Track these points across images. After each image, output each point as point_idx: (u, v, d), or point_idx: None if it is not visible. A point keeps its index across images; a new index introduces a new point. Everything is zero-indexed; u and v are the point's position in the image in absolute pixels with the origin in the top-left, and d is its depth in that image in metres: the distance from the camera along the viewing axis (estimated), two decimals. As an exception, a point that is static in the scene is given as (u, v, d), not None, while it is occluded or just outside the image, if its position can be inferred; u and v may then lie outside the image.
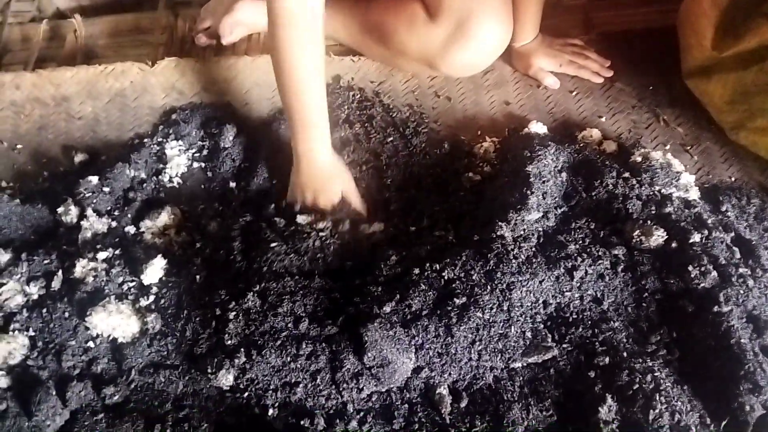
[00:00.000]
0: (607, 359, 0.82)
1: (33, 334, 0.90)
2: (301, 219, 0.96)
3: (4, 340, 0.89)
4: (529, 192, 0.94)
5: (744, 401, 0.75)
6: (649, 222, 0.91)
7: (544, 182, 0.97)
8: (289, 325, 0.84)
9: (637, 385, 0.77)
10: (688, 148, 1.08)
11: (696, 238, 0.89)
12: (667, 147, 1.08)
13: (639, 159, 1.00)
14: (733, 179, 1.05)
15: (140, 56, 1.29)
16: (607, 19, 1.27)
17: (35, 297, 0.93)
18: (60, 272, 0.94)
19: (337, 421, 0.80)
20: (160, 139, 1.14)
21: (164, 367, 0.88)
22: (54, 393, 0.85)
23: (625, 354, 0.82)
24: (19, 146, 1.19)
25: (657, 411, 0.75)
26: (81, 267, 0.94)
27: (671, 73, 1.14)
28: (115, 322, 0.89)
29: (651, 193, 0.95)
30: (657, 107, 1.13)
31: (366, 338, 0.80)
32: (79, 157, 1.15)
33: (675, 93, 1.13)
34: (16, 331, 0.90)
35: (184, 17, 1.38)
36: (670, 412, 0.75)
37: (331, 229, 0.95)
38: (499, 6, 1.05)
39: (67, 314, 0.90)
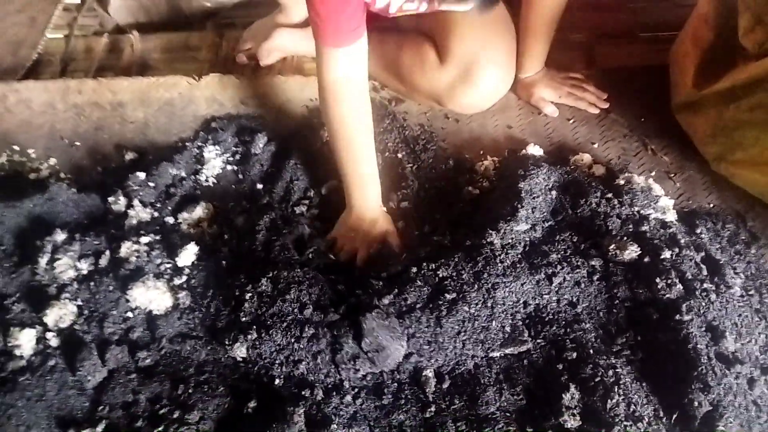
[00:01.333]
0: (575, 354, 0.92)
1: (81, 303, 1.03)
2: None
3: (56, 306, 1.02)
4: (519, 206, 1.06)
5: (694, 398, 0.84)
6: (625, 238, 1.02)
7: (534, 198, 1.08)
8: (295, 310, 0.96)
9: (599, 378, 0.88)
10: (672, 175, 1.18)
11: (666, 254, 0.99)
12: (653, 173, 1.18)
13: (622, 182, 1.11)
14: (711, 206, 1.14)
15: (188, 71, 1.43)
16: (608, 55, 1.38)
17: (85, 272, 1.07)
18: (107, 252, 1.08)
19: (334, 394, 0.92)
20: (200, 144, 1.28)
21: (190, 337, 1.01)
22: (95, 354, 0.98)
23: (591, 351, 0.92)
24: (77, 143, 1.35)
25: (614, 401, 0.85)
26: (126, 248, 1.08)
27: (662, 107, 1.24)
28: (151, 296, 1.02)
29: (630, 212, 1.05)
30: (646, 137, 1.23)
31: (364, 326, 0.91)
32: (129, 156, 1.31)
33: (664, 125, 1.23)
34: (67, 300, 1.03)
35: (228, 38, 1.54)
36: (626, 403, 0.85)
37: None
38: (502, 55, 1.18)
39: (111, 288, 1.04)
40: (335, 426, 0.87)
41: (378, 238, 1.09)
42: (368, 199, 1.10)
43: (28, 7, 1.73)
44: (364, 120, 1.05)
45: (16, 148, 1.35)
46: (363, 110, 1.04)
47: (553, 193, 1.11)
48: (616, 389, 0.86)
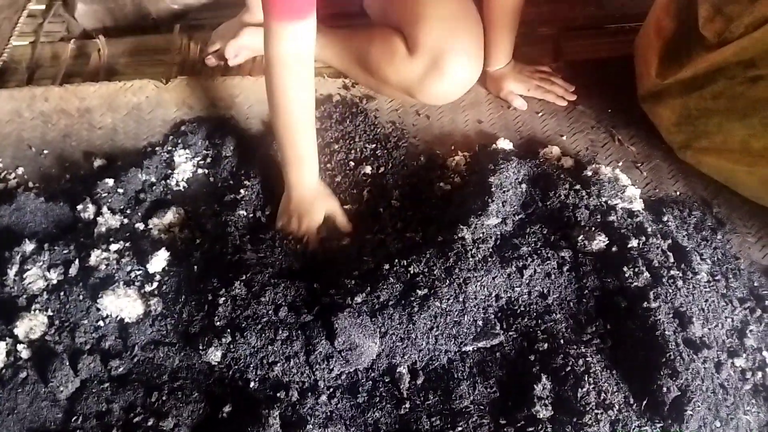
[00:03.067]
0: (546, 345, 0.93)
1: (51, 313, 1.02)
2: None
3: (26, 318, 1.01)
4: (490, 200, 1.06)
5: (662, 384, 0.86)
6: (593, 228, 1.03)
7: (504, 192, 1.08)
8: (270, 312, 0.96)
9: (569, 367, 0.89)
10: (639, 165, 1.20)
11: (633, 243, 1.00)
12: (620, 164, 1.19)
13: (590, 173, 1.12)
14: (678, 193, 1.16)
15: (156, 74, 1.42)
16: (575, 48, 1.40)
17: (54, 282, 1.06)
18: (77, 261, 1.07)
19: (309, 394, 0.92)
20: (169, 148, 1.27)
21: (163, 344, 1.00)
22: (67, 364, 0.96)
23: (562, 341, 0.93)
24: (45, 151, 1.33)
25: (585, 390, 0.86)
26: (95, 257, 1.07)
27: (629, 98, 1.25)
28: (122, 304, 1.01)
29: (598, 203, 1.07)
30: (613, 128, 1.25)
31: (337, 325, 0.92)
32: (98, 162, 1.29)
33: (631, 116, 1.25)
34: (37, 311, 1.02)
35: (197, 40, 1.53)
36: (596, 392, 0.86)
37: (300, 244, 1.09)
38: (470, 45, 1.19)
39: (81, 297, 1.02)
40: (311, 426, 0.87)
41: (318, 219, 1.10)
42: (306, 177, 1.10)
43: (-8, 14, 1.70)
44: (307, 98, 1.05)
45: (-19, 158, 1.33)
46: (307, 87, 1.04)
47: (523, 186, 1.12)
48: (586, 378, 0.87)
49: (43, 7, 1.70)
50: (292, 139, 1.08)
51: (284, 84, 1.03)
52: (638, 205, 1.09)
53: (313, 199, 1.11)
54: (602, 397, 0.86)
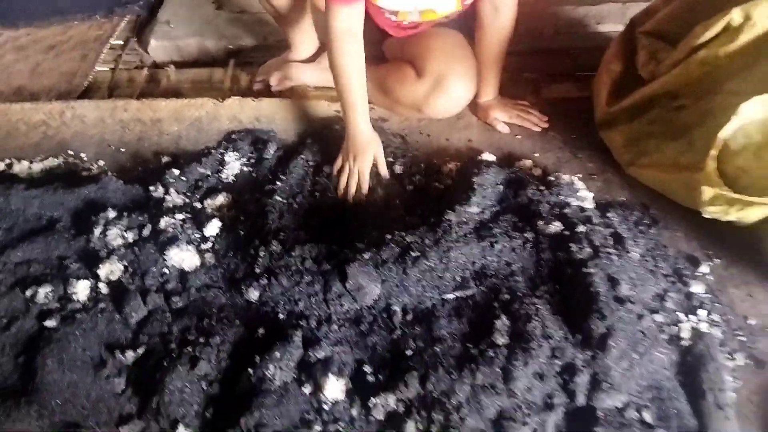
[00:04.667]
0: (508, 296, 1.20)
1: (127, 263, 1.32)
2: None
3: (107, 264, 1.31)
4: (472, 195, 1.36)
5: (592, 324, 1.12)
6: (551, 218, 1.32)
7: (484, 189, 1.38)
8: (298, 262, 1.26)
9: (523, 310, 1.16)
10: (594, 176, 1.50)
11: (581, 228, 1.29)
12: (579, 175, 1.49)
13: (552, 178, 1.42)
14: (624, 199, 1.45)
15: (214, 96, 1.76)
16: (551, 89, 1.74)
17: (130, 240, 1.36)
18: (149, 225, 1.38)
19: (325, 323, 1.20)
20: (222, 151, 1.59)
21: (213, 287, 1.29)
22: (138, 298, 1.25)
23: (519, 294, 1.20)
24: (122, 150, 1.66)
25: (533, 324, 1.12)
26: (164, 222, 1.37)
27: (589, 128, 1.57)
28: (184, 257, 1.31)
29: (556, 200, 1.36)
30: (576, 149, 1.56)
31: (348, 272, 1.20)
32: (164, 159, 1.62)
33: (591, 140, 1.56)
34: (116, 260, 1.32)
35: (247, 72, 1.89)
36: (542, 326, 1.13)
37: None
38: (466, 70, 1.53)
39: (151, 251, 1.32)
40: (325, 344, 1.14)
41: (370, 159, 1.43)
42: (360, 122, 1.42)
43: (81, 46, 2.09)
44: (359, 62, 1.37)
45: (70, 152, 1.66)
46: (358, 55, 1.36)
47: (500, 187, 1.42)
48: (535, 317, 1.14)
49: (121, 42, 2.10)
50: (347, 90, 1.39)
51: (339, 50, 1.35)
52: (589, 204, 1.38)
53: (367, 141, 1.43)
54: (546, 331, 1.12)
